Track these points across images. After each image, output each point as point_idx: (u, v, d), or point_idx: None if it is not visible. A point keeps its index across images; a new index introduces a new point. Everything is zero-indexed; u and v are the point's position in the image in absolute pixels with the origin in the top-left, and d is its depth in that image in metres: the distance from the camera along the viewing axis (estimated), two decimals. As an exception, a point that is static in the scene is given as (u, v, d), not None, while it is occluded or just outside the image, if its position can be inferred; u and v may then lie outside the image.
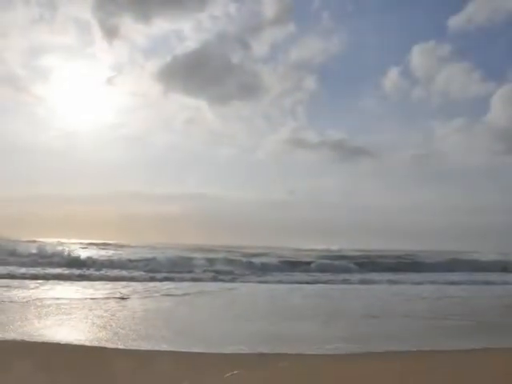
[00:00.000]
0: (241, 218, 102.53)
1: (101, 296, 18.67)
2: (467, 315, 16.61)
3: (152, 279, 26.04)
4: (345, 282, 28.99)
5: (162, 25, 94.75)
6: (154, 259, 33.89)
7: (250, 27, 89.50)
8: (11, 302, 16.25)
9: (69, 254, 33.64)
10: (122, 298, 18.13)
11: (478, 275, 34.69)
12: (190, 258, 35.09)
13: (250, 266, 34.82)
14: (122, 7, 79.14)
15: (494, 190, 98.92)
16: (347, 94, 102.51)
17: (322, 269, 35.99)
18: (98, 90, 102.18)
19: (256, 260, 37.46)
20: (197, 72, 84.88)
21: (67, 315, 14.04)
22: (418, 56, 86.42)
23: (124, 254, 39.57)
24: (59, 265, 30.49)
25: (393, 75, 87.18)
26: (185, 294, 20.25)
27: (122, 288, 21.52)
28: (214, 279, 27.59)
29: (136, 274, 28.07)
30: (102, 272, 28.24)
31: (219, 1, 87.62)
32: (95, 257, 34.92)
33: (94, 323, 12.96)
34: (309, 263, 38.28)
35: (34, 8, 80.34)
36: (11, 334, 11.14)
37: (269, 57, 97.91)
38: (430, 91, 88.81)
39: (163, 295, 19.74)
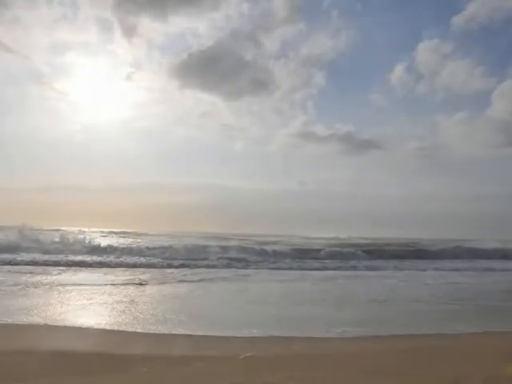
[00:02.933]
0: (253, 208, 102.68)
1: (120, 282, 18.74)
2: (469, 300, 16.58)
3: (169, 266, 26.07)
4: (353, 268, 28.94)
5: (178, 23, 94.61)
6: (170, 247, 33.87)
7: (262, 25, 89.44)
8: (35, 287, 16.34)
9: (90, 242, 33.74)
10: (141, 284, 18.19)
11: (479, 262, 34.60)
12: (205, 246, 35.05)
13: (263, 253, 34.75)
14: (140, 6, 79.02)
15: (494, 181, 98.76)
16: (355, 88, 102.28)
17: (331, 256, 35.93)
18: (117, 85, 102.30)
19: (268, 248, 37.39)
20: (211, 68, 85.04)
21: (88, 300, 14.11)
22: (423, 53, 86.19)
23: (142, 242, 39.67)
24: (81, 252, 30.61)
25: (399, 71, 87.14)
26: (200, 280, 20.28)
27: (140, 274, 21.59)
28: (228, 266, 27.58)
29: (154, 261, 28.12)
30: (122, 259, 28.30)
31: (233, 0, 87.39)
32: (115, 245, 34.96)
33: (113, 308, 13.02)
34: (319, 251, 38.17)
35: (57, 7, 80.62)
36: (35, 319, 11.21)
37: (280, 54, 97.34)
38: (434, 86, 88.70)
39: (180, 281, 19.79)
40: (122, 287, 17.28)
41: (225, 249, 34.70)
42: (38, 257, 26.83)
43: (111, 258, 28.29)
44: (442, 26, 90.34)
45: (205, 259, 29.80)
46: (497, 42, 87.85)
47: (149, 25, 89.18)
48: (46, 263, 24.72)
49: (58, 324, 10.74)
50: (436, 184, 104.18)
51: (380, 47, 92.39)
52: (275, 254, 35.24)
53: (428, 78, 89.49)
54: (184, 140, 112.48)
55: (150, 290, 17.01)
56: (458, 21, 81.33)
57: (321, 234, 58.55)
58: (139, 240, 43.91)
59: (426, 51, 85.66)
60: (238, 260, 30.06)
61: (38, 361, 7.91)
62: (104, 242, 36.54)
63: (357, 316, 13.17)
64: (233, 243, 39.15)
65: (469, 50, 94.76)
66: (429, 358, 8.52)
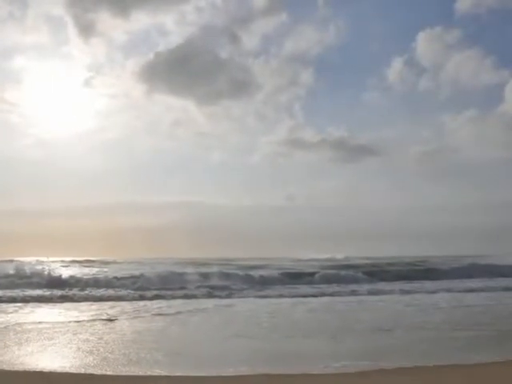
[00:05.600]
0: (236, 228, 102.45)
1: (86, 318, 18.67)
2: (487, 325, 16.66)
3: (141, 298, 26.03)
4: (352, 293, 29.03)
5: (142, 19, 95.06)
6: (142, 276, 33.83)
7: (238, 18, 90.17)
8: (-12, 328, 16.27)
9: (49, 274, 33.54)
10: (110, 320, 18.15)
11: (497, 281, 34.79)
12: (182, 274, 35.04)
13: (248, 279, 34.83)
14: (99, 1, 79.27)
15: (511, 186, 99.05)
16: (348, 87, 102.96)
17: (327, 280, 36.06)
18: (75, 92, 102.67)
19: (254, 273, 37.51)
20: (182, 69, 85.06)
21: (50, 340, 14.06)
22: (424, 43, 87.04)
23: (110, 272, 39.59)
24: (39, 285, 30.46)
25: (397, 65, 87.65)
26: (177, 313, 20.26)
27: (108, 309, 21.53)
28: (209, 295, 27.58)
29: (123, 292, 28.08)
30: (87, 292, 28.20)
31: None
32: (78, 275, 34.89)
33: (79, 348, 12.98)
34: (312, 274, 38.33)
35: (3, 5, 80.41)
36: (-10, 364, 11.16)
37: (260, 50, 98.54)
38: (439, 81, 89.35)
39: (154, 315, 19.75)
40: (88, 324, 17.22)
41: (205, 276, 34.77)
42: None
43: (75, 291, 28.18)
44: (445, 12, 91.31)
45: (182, 288, 29.84)
46: (509, 27, 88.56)
47: (109, 22, 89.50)
48: (-1, 299, 24.62)
49: (16, 369, 10.69)
50: (443, 193, 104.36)
51: (375, 38, 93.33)
52: (262, 279, 35.35)
53: (431, 72, 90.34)
54: (154, 152, 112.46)
55: (120, 326, 16.99)
56: (463, 5, 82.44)
57: (314, 255, 58.59)
58: (106, 269, 43.84)
59: (427, 41, 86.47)
60: (220, 288, 30.11)
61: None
62: (66, 272, 36.42)
63: (359, 348, 13.22)
64: (214, 269, 39.13)
65: (477, 38, 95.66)
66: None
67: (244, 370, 10.48)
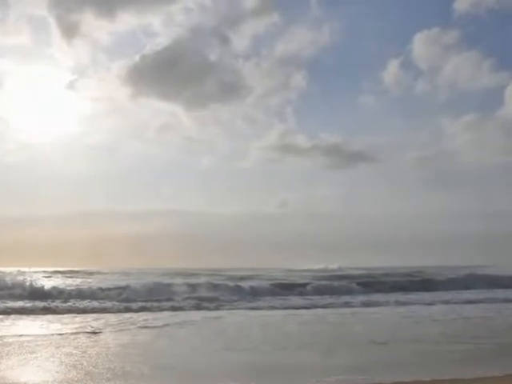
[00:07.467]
0: (225, 236, 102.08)
1: (69, 331, 18.59)
2: (486, 338, 16.66)
3: (127, 310, 25.96)
4: (346, 305, 29.03)
5: (127, 20, 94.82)
6: (128, 287, 33.69)
7: (228, 19, 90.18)
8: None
9: (31, 285, 33.37)
10: (94, 333, 18.08)
11: (496, 292, 34.85)
12: (169, 285, 34.96)
13: (238, 290, 34.76)
14: (83, 2, 79.01)
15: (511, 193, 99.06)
16: (342, 90, 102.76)
17: (320, 291, 36.05)
18: (57, 95, 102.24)
19: (244, 284, 37.44)
20: (169, 72, 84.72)
21: (32, 354, 13.98)
22: (421, 45, 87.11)
23: (94, 283, 39.42)
24: (21, 297, 30.34)
25: (393, 68, 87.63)
26: (164, 326, 20.20)
27: (92, 321, 21.46)
28: (197, 307, 27.51)
29: (108, 304, 27.98)
30: (70, 303, 28.10)
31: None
32: (61, 286, 34.73)
33: (62, 362, 12.92)
34: (305, 285, 38.29)
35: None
36: (-32, 378, 11.10)
37: (251, 52, 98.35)
38: (436, 84, 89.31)
39: (140, 327, 19.69)
40: (72, 337, 17.15)
41: (193, 287, 34.65)
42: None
43: (57, 303, 28.08)
44: (443, 13, 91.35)
45: (169, 300, 29.78)
46: (509, 29, 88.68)
47: (93, 23, 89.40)
48: (-22, 312, 24.51)
49: (-5, 384, 10.66)
50: (441, 200, 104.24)
51: (370, 40, 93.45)
52: (253, 290, 35.28)
53: (428, 74, 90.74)
54: (140, 158, 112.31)
55: (104, 339, 16.91)
56: (462, 5, 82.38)
57: (306, 265, 58.58)
58: (90, 280, 43.70)
59: (424, 43, 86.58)
60: (209, 300, 30.04)
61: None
62: (48, 283, 36.27)
63: (353, 361, 13.19)
64: (202, 280, 39.05)
65: (476, 40, 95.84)
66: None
67: (234, 385, 10.48)
